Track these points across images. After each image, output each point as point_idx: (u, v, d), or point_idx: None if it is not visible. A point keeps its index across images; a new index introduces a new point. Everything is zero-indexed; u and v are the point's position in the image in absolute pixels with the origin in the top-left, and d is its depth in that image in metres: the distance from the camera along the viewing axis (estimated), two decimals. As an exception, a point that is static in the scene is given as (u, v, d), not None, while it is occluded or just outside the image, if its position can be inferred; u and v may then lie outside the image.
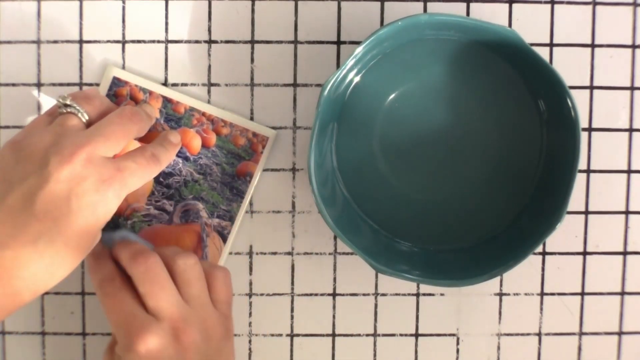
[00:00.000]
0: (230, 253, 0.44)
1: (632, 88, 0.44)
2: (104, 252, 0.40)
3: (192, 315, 0.37)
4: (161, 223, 0.44)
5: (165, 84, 0.43)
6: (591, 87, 0.44)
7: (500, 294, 0.45)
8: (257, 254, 0.45)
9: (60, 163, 0.34)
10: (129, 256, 0.38)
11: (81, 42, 0.43)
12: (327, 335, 0.45)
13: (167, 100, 0.43)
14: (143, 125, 0.39)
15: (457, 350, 0.45)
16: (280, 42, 0.44)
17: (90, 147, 0.35)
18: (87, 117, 0.38)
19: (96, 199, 0.35)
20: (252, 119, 0.44)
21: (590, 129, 0.44)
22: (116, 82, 0.43)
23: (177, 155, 0.43)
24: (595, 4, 0.44)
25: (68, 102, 0.37)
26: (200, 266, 0.39)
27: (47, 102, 0.44)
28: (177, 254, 0.39)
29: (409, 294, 0.45)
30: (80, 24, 0.43)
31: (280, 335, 0.45)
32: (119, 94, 0.43)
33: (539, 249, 0.44)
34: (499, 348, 0.45)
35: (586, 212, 0.45)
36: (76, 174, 0.34)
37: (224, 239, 0.44)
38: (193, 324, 0.37)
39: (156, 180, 0.43)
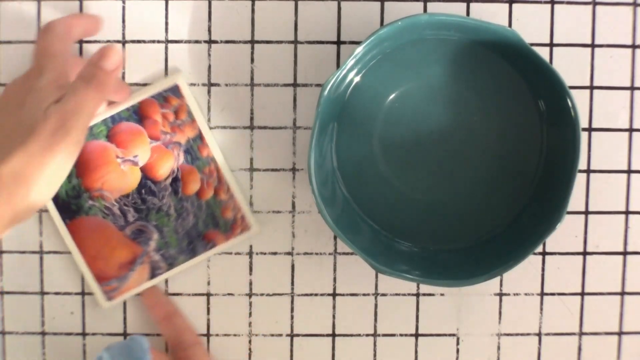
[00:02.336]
0: (230, 253, 0.44)
1: (632, 88, 0.44)
2: None
3: None
4: (114, 224, 0.43)
5: (165, 84, 0.44)
6: (591, 87, 0.44)
7: (500, 294, 0.45)
8: (257, 254, 0.45)
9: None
10: None
11: (81, 42, 0.43)
12: (327, 335, 0.45)
13: (199, 136, 0.43)
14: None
15: (457, 350, 0.45)
16: (280, 42, 0.44)
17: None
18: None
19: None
20: (252, 124, 0.44)
21: (590, 129, 0.44)
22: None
23: (172, 187, 0.43)
24: (595, 4, 0.44)
25: None
26: None
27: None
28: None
29: (409, 294, 0.45)
30: (80, 24, 0.43)
31: (280, 335, 0.45)
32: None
33: (539, 249, 0.44)
34: (499, 348, 0.45)
35: (586, 212, 0.45)
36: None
37: (152, 276, 0.44)
38: None
39: (139, 189, 0.43)
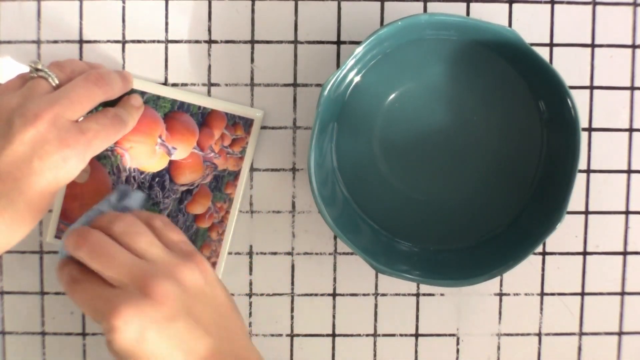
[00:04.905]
0: (230, 253, 0.44)
1: (632, 88, 0.44)
2: (63, 260, 0.38)
3: (152, 267, 0.35)
4: (112, 185, 0.43)
5: (165, 83, 0.43)
6: (591, 87, 0.44)
7: (500, 294, 0.45)
8: (257, 254, 0.45)
9: (24, 125, 0.34)
10: (72, 244, 0.36)
11: (81, 42, 0.43)
12: (327, 335, 0.45)
13: (235, 174, 0.43)
14: (108, 90, 0.39)
15: (457, 350, 0.45)
16: (280, 42, 0.44)
17: (54, 110, 0.35)
18: (57, 82, 0.38)
19: (58, 161, 0.35)
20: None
21: (590, 129, 0.44)
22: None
23: (181, 195, 0.43)
24: (595, 4, 0.44)
25: (39, 67, 0.38)
26: (138, 220, 0.38)
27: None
28: (111, 220, 0.37)
29: (409, 294, 0.45)
30: (80, 24, 0.43)
31: (280, 335, 0.45)
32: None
33: (539, 249, 0.44)
34: (499, 348, 0.45)
35: (586, 212, 0.45)
36: (39, 136, 0.35)
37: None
38: (158, 275, 0.34)
39: (154, 176, 0.43)
